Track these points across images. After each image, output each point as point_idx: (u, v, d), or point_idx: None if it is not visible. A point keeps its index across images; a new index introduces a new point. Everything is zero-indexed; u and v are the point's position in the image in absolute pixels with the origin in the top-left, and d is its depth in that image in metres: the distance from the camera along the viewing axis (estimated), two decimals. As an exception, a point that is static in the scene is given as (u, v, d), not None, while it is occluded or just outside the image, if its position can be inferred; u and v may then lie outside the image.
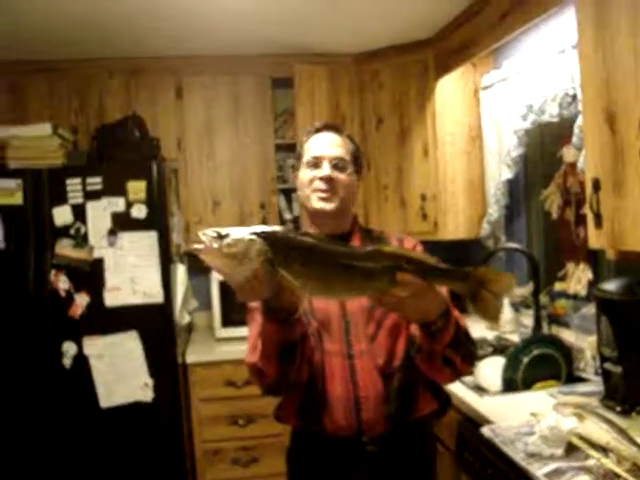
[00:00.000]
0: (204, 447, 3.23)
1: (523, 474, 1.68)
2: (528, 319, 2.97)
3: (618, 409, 1.99)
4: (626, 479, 1.55)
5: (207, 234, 1.25)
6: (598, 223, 1.89)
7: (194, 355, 3.26)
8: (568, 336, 2.61)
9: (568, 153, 2.72)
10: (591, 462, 1.67)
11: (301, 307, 1.43)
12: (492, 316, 1.45)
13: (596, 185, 1.88)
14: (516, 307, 3.15)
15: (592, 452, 1.71)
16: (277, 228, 1.35)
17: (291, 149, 3.62)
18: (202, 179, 3.57)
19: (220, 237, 1.25)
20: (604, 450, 1.70)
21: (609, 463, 1.64)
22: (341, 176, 1.66)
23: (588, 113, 1.93)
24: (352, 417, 1.61)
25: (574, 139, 2.42)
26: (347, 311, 1.66)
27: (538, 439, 1.77)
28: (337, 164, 1.66)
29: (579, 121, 2.36)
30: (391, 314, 1.63)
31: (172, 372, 3.01)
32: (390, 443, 1.63)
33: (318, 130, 1.72)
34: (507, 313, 3.14)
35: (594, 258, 2.69)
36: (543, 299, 2.86)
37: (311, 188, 1.66)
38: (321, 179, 1.64)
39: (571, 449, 1.74)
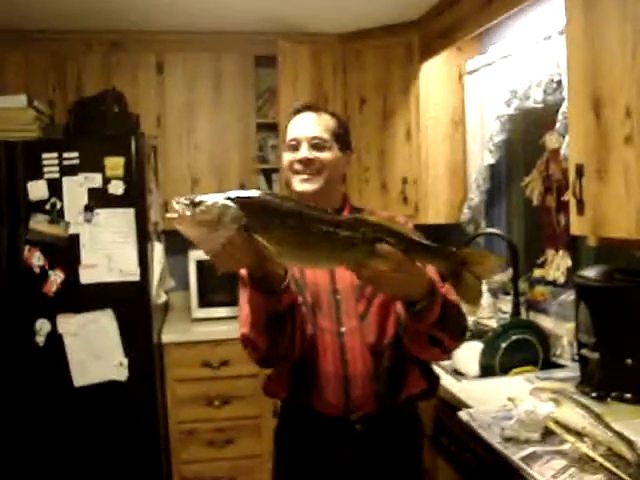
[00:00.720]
0: (179, 428, 3.21)
1: (500, 458, 1.69)
2: (506, 305, 2.98)
3: (594, 395, 2.01)
4: (601, 463, 1.56)
5: (180, 202, 1.21)
6: (580, 209, 1.88)
7: (170, 335, 3.23)
8: (546, 322, 2.62)
9: (551, 140, 2.71)
10: (567, 446, 1.68)
11: (287, 277, 1.39)
12: (472, 299, 1.41)
13: (579, 171, 1.87)
14: (494, 293, 3.16)
15: (568, 437, 1.72)
16: (254, 192, 1.30)
17: (273, 128, 3.59)
18: (181, 157, 3.52)
19: (193, 204, 1.21)
20: (580, 435, 1.71)
21: (584, 447, 1.65)
22: (321, 155, 1.64)
23: (574, 99, 1.91)
24: (341, 395, 1.60)
25: (558, 125, 2.42)
26: (337, 288, 1.65)
27: (515, 423, 1.78)
28: (316, 144, 1.64)
29: (563, 107, 2.35)
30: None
31: (147, 351, 2.97)
32: (378, 423, 1.63)
33: (297, 112, 1.71)
34: (485, 299, 3.14)
35: (574, 245, 2.70)
36: (522, 285, 2.87)
37: (292, 171, 1.66)
38: (299, 161, 1.63)
39: (547, 434, 1.75)
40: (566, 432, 1.74)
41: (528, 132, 3.08)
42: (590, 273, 2.04)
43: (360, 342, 1.62)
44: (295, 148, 1.65)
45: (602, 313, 2.00)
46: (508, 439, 1.74)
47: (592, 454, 1.60)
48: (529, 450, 1.67)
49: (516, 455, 1.65)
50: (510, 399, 2.00)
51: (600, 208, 1.80)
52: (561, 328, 2.51)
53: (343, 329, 1.62)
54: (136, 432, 2.95)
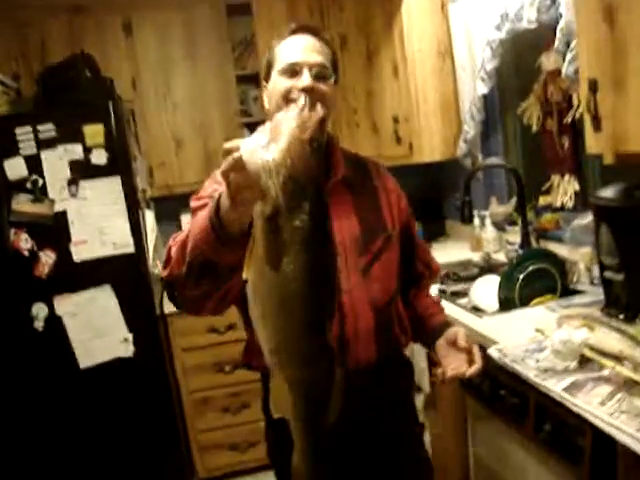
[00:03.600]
0: (192, 398, 3.14)
1: (539, 391, 1.63)
2: (513, 236, 2.91)
3: (621, 317, 1.95)
4: (647, 385, 1.50)
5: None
6: (596, 126, 1.79)
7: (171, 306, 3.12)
8: (559, 250, 2.55)
9: (547, 61, 2.61)
10: (606, 372, 1.62)
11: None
12: None
13: (593, 86, 1.77)
14: (499, 225, 3.08)
15: (606, 362, 1.66)
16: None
17: (253, 80, 3.44)
18: (162, 119, 3.36)
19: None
20: (618, 359, 1.66)
21: (625, 371, 1.59)
22: (323, 87, 1.41)
23: (582, 11, 1.80)
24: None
25: (557, 44, 2.31)
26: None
27: (550, 354, 1.72)
28: (319, 73, 1.41)
29: (562, 24, 2.24)
30: (390, 247, 1.51)
31: (151, 324, 2.89)
32: (376, 376, 1.49)
33: (294, 32, 1.46)
34: (489, 232, 3.08)
35: (579, 168, 2.62)
36: (528, 215, 2.80)
37: (288, 100, 1.37)
38: (302, 90, 1.36)
39: (584, 361, 1.69)
40: (603, 357, 1.68)
41: (519, 56, 2.97)
42: (608, 193, 1.95)
43: (362, 299, 1.45)
44: (293, 74, 1.39)
45: (624, 233, 1.93)
46: (545, 370, 1.69)
47: (635, 377, 1.55)
48: (569, 380, 1.61)
49: (558, 386, 1.59)
50: (538, 330, 1.94)
51: (619, 122, 1.71)
52: (575, 254, 2.44)
53: (341, 286, 1.38)
54: (149, 407, 2.88)
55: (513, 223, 2.99)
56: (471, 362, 1.50)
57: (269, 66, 1.46)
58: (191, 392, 3.14)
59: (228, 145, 1.00)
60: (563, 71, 2.27)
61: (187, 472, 3.12)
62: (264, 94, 1.50)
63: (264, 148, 0.99)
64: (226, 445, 3.19)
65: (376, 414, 1.51)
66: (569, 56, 2.22)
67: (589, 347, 1.72)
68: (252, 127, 3.53)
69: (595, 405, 1.47)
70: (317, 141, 1.03)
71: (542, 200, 2.81)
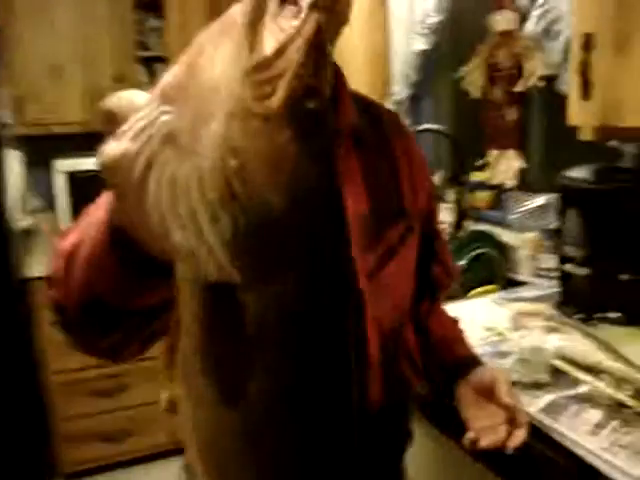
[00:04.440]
0: (59, 379, 2.68)
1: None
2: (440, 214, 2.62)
3: (577, 317, 1.71)
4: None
5: None
6: (585, 93, 1.50)
7: (38, 267, 2.59)
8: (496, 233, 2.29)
9: (501, 20, 2.31)
10: (584, 389, 1.35)
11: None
12: None
13: (587, 43, 1.47)
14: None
15: (580, 375, 1.39)
16: None
17: (153, 7, 2.93)
18: (37, 42, 2.78)
19: None
20: (593, 372, 1.40)
21: (607, 389, 1.33)
22: None
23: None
24: None
25: (521, -4, 2.02)
26: None
27: (517, 363, 1.43)
28: None
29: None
30: (410, 240, 1.00)
31: (9, 292, 2.39)
32: (374, 427, 0.97)
33: None
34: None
35: (523, 144, 2.37)
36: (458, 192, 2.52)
37: None
38: None
39: (555, 373, 1.42)
40: (576, 369, 1.42)
41: (457, 12, 2.66)
42: (581, 173, 1.69)
43: (364, 315, 0.94)
44: None
45: (596, 221, 1.67)
46: (512, 383, 1.39)
47: (621, 397, 1.29)
48: (547, 398, 1.32)
49: (534, 406, 1.29)
50: (490, 329, 1.66)
51: (616, 88, 1.43)
52: (517, 239, 2.19)
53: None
54: (3, 391, 2.38)
55: (439, 199, 2.71)
56: (512, 423, 1.04)
57: None
58: (58, 372, 2.67)
59: (111, 102, 0.52)
60: (529, 27, 1.98)
61: (50, 466, 2.66)
62: None
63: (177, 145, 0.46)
64: (98, 435, 2.74)
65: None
66: (538, 11, 1.94)
67: (560, 356, 1.45)
68: (149, 62, 3.01)
69: (585, 436, 1.18)
70: (314, 91, 0.48)
71: (475, 176, 2.54)
